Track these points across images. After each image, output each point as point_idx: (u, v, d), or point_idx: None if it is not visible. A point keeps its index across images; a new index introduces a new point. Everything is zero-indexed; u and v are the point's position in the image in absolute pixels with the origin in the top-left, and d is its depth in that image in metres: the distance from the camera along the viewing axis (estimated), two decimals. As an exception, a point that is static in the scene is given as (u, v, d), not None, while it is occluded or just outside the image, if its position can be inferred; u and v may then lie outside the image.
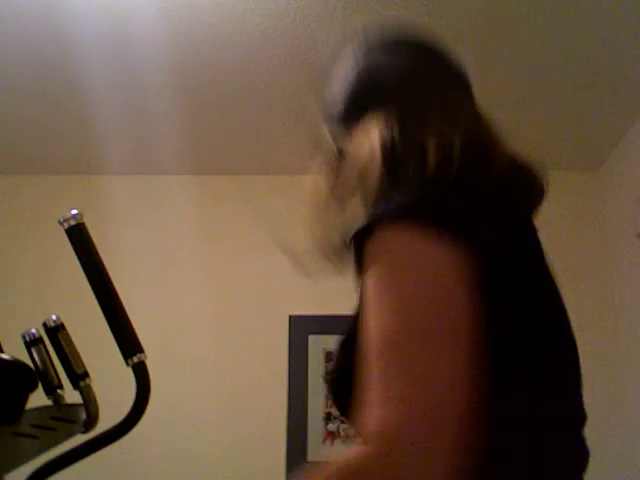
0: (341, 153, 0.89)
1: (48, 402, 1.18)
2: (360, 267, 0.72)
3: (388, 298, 0.64)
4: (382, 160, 0.77)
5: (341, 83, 0.98)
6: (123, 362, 1.31)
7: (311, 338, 2.91)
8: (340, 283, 3.38)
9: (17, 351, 1.15)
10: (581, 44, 2.31)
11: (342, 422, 2.82)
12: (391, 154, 0.78)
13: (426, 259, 0.66)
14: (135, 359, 1.31)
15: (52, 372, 1.20)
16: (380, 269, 0.66)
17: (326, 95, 1.01)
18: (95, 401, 1.22)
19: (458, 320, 0.63)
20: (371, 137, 0.80)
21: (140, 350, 1.33)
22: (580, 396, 0.88)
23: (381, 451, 0.59)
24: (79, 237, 1.35)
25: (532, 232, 0.92)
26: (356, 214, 0.79)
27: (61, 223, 1.35)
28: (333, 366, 0.86)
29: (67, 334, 1.26)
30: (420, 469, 0.57)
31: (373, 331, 0.64)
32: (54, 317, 1.25)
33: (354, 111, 0.92)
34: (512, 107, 2.67)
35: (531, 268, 0.82)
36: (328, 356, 2.90)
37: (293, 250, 0.93)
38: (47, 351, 1.22)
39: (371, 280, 0.66)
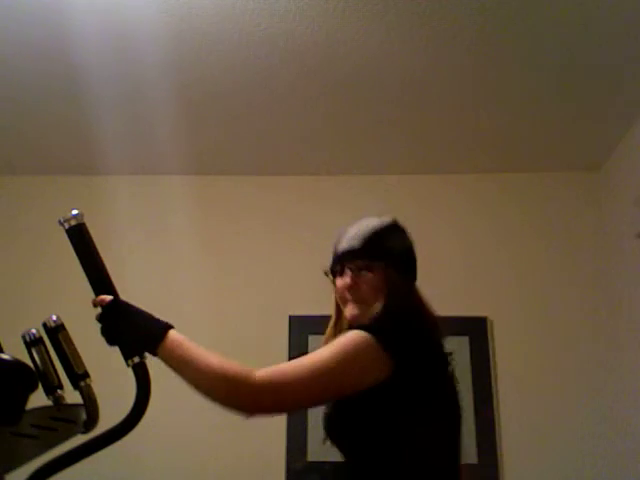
0: (356, 273, 1.49)
1: (48, 402, 1.18)
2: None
3: (335, 350, 1.32)
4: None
5: (360, 234, 1.50)
6: (123, 362, 1.31)
7: (311, 338, 2.90)
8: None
9: (17, 351, 1.15)
10: (581, 44, 2.31)
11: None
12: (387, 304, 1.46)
13: (358, 350, 1.32)
14: (135, 359, 1.31)
15: (52, 372, 1.19)
16: (345, 339, 1.34)
17: (348, 240, 1.52)
18: (95, 401, 1.22)
19: (339, 377, 1.31)
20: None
21: (140, 351, 1.33)
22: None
23: (255, 382, 1.26)
24: (79, 237, 1.34)
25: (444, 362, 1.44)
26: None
27: (61, 223, 1.34)
28: (326, 412, 1.50)
29: (67, 334, 1.26)
30: (255, 395, 1.28)
31: (321, 352, 1.32)
32: (54, 317, 1.25)
33: (367, 252, 1.48)
34: (513, 108, 2.67)
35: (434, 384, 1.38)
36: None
37: None
38: (47, 351, 1.21)
39: (340, 339, 1.35)
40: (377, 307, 1.44)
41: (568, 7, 2.15)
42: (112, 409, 1.30)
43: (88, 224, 1.37)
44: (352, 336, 1.33)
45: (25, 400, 1.10)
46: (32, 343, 1.20)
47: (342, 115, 2.73)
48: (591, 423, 2.76)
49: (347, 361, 1.30)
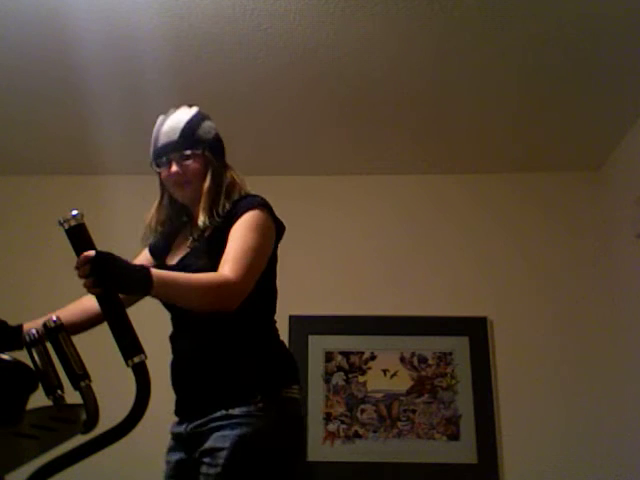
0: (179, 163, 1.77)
1: (48, 402, 1.18)
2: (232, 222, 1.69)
3: (251, 233, 1.67)
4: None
5: (176, 127, 1.77)
6: (123, 362, 1.31)
7: (311, 338, 2.91)
8: (339, 284, 3.37)
9: (17, 351, 1.15)
10: (581, 45, 2.31)
11: (342, 422, 2.82)
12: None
13: (266, 223, 1.73)
14: (135, 360, 1.31)
15: (52, 373, 1.19)
16: (258, 219, 1.72)
17: (166, 134, 1.77)
18: (95, 402, 1.22)
19: (266, 251, 1.71)
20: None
21: (140, 351, 1.33)
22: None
23: (235, 280, 1.55)
24: (79, 237, 1.34)
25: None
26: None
27: (61, 224, 1.34)
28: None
29: (67, 335, 1.26)
30: (240, 289, 1.57)
31: (240, 240, 1.63)
32: (54, 318, 1.25)
33: (185, 143, 1.76)
34: (513, 108, 2.67)
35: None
36: (328, 356, 2.90)
37: None
38: (47, 352, 1.21)
39: (244, 223, 1.69)
40: (205, 187, 1.76)
41: (569, 8, 2.15)
42: (112, 409, 1.30)
43: (88, 224, 1.37)
44: (261, 215, 1.73)
45: (25, 400, 1.10)
46: (32, 343, 1.20)
47: (343, 115, 2.73)
48: (592, 423, 2.76)
49: (267, 237, 1.72)
